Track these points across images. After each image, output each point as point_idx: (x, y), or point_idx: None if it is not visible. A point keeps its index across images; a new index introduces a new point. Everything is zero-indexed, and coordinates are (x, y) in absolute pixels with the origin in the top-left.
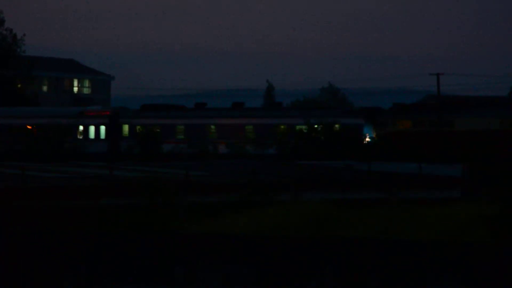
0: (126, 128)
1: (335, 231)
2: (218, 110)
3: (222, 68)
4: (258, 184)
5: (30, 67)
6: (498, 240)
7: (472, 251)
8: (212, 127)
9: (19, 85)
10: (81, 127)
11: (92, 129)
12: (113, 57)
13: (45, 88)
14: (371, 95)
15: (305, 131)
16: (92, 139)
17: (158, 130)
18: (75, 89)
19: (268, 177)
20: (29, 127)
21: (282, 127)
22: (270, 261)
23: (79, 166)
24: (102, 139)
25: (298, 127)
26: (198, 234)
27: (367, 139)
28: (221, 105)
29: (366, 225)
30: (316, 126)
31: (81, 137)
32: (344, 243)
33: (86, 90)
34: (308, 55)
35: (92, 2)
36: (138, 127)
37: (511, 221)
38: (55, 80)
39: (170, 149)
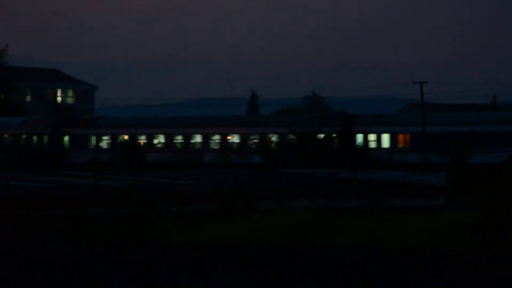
0: None
1: (319, 240)
2: None
3: (205, 77)
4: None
5: (10, 78)
6: (482, 248)
7: (456, 259)
8: None
9: (2, 96)
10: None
11: None
12: (99, 67)
13: (28, 98)
14: (354, 103)
15: None
16: None
17: None
18: (59, 98)
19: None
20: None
21: None
22: (254, 270)
23: None
24: None
25: None
26: (182, 245)
27: None
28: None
29: (351, 233)
30: None
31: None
32: (328, 251)
33: (69, 100)
34: (292, 64)
35: (78, 12)
36: None
37: (494, 229)
38: (38, 90)
39: None
